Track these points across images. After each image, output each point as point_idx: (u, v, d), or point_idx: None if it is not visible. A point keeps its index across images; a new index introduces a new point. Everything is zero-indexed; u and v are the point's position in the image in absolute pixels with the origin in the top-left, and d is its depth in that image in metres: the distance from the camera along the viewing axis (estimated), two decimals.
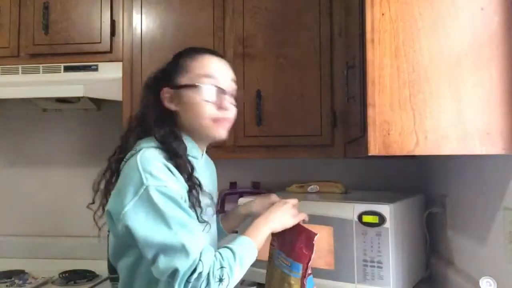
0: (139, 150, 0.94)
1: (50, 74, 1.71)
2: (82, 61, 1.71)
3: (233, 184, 1.94)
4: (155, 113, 1.01)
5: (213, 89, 1.00)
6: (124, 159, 0.97)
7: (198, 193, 0.96)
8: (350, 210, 1.26)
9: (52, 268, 1.80)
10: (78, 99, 1.82)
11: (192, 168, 0.97)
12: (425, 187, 1.66)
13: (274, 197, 1.19)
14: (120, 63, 1.70)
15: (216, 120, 1.01)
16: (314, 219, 1.32)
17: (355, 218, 1.25)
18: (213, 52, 1.06)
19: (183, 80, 1.01)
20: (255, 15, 1.66)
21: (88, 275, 1.75)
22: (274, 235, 1.15)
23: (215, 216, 1.14)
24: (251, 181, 1.94)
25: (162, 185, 0.88)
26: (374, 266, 1.22)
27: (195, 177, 0.97)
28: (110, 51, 1.71)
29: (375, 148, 0.90)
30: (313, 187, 1.60)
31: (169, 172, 0.92)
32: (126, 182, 0.90)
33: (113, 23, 1.71)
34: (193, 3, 1.69)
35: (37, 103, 1.97)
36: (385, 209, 1.22)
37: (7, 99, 1.76)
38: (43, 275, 1.77)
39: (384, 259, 1.20)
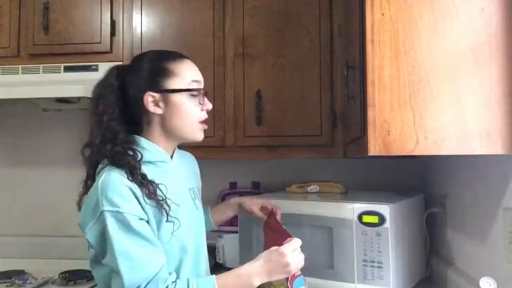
0: (106, 165, 0.97)
1: (50, 74, 1.71)
2: (82, 61, 1.70)
3: (233, 184, 1.94)
4: (120, 120, 1.01)
5: (202, 93, 1.06)
6: (96, 172, 1.00)
7: (165, 204, 0.95)
8: (350, 210, 1.26)
9: (52, 268, 1.79)
10: (78, 99, 1.81)
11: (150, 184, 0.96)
12: (425, 187, 1.66)
13: (266, 202, 1.27)
14: (120, 63, 1.69)
15: (201, 122, 1.06)
16: (314, 219, 1.33)
17: (355, 218, 1.25)
18: (187, 57, 1.09)
19: (172, 84, 1.02)
20: (255, 15, 1.66)
21: (88, 275, 1.74)
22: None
23: (200, 210, 1.15)
24: (251, 181, 1.94)
25: (115, 211, 0.89)
26: (374, 266, 1.22)
27: (157, 187, 0.96)
28: (110, 51, 1.71)
29: (375, 148, 0.90)
30: (313, 187, 1.60)
31: (130, 194, 0.92)
32: (89, 202, 0.94)
33: (113, 23, 1.71)
34: (193, 3, 1.69)
35: (37, 103, 1.97)
36: (385, 209, 1.22)
37: (7, 99, 1.75)
38: (43, 275, 1.76)
39: (384, 259, 1.20)
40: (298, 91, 1.62)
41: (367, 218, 1.23)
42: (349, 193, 1.54)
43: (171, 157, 1.09)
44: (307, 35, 1.62)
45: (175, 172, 1.08)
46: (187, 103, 1.03)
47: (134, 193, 0.92)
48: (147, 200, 0.94)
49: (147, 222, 0.94)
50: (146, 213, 0.94)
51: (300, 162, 1.88)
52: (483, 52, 0.89)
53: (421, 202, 1.52)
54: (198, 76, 1.07)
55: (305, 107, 1.61)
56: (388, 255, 1.20)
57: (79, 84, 1.64)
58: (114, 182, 0.92)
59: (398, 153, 0.90)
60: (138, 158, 0.98)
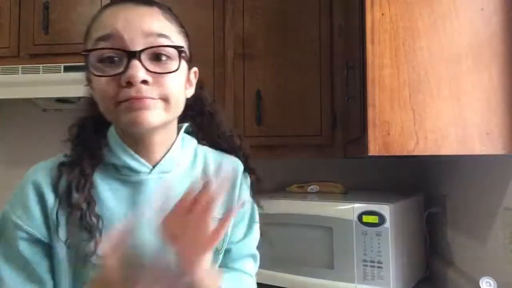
0: None
1: (50, 74, 1.71)
2: (82, 61, 1.70)
3: None
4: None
5: (99, 55, 0.65)
6: None
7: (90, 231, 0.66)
8: (350, 210, 1.26)
9: None
10: (78, 99, 1.81)
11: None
12: (425, 187, 1.66)
13: None
14: None
15: (117, 103, 0.63)
16: (314, 219, 1.33)
17: (355, 218, 1.25)
18: (125, 1, 0.68)
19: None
20: (255, 15, 1.65)
21: None
22: None
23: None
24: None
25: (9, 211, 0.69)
26: (374, 266, 1.22)
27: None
28: None
29: (375, 148, 0.90)
30: (313, 187, 1.60)
31: (27, 199, 0.69)
32: None
33: None
34: (192, 3, 1.69)
35: (37, 103, 1.97)
36: (385, 209, 1.22)
37: (7, 99, 1.76)
38: None
39: (384, 259, 1.20)
40: (298, 91, 1.62)
41: (367, 218, 1.23)
42: (349, 193, 1.54)
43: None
44: (307, 35, 1.62)
45: (147, 192, 0.72)
46: (94, 78, 0.66)
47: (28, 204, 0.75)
48: None
49: None
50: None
51: (300, 162, 1.88)
52: (483, 52, 0.89)
53: (421, 202, 1.52)
54: (116, 27, 0.63)
55: (305, 107, 1.61)
56: (388, 255, 1.20)
57: (79, 84, 1.63)
58: (24, 182, 0.78)
59: (398, 153, 0.90)
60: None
